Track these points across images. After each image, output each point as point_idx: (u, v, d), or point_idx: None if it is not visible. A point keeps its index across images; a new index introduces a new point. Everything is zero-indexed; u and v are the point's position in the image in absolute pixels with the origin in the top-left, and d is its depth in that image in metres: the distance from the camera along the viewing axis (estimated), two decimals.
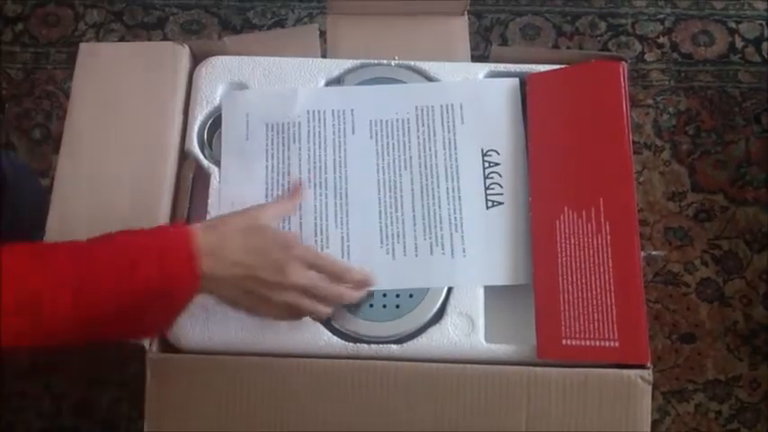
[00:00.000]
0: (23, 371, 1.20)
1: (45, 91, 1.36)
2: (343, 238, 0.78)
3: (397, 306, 0.76)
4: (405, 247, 0.78)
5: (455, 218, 0.79)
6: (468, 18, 0.93)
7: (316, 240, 0.78)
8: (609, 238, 0.76)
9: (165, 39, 1.37)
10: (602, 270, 0.75)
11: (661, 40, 1.40)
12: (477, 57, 0.90)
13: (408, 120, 0.83)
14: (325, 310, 0.71)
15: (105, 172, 0.80)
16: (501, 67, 0.86)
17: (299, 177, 0.80)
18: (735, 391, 1.21)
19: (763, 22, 1.41)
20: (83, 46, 0.85)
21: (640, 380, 0.72)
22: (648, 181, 1.31)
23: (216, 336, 0.75)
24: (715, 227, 1.29)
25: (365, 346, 0.75)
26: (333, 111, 0.83)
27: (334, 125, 0.83)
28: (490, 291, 0.78)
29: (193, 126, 0.83)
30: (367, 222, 0.79)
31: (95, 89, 0.83)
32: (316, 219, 0.79)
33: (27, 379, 1.20)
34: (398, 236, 0.78)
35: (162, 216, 0.79)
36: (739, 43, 1.40)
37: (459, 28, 0.92)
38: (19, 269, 0.60)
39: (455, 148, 0.82)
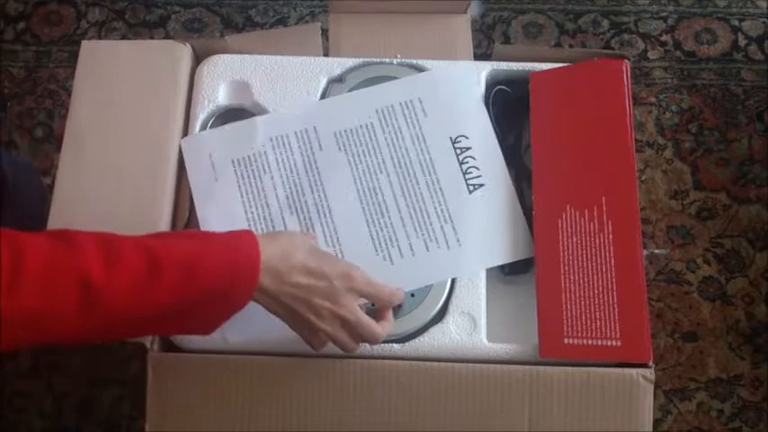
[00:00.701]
0: (25, 371, 1.20)
1: (47, 89, 1.36)
2: (337, 256, 0.78)
3: (399, 305, 0.76)
4: (400, 249, 0.78)
5: (441, 210, 0.79)
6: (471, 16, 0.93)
7: None
8: (611, 236, 0.76)
9: (166, 37, 1.37)
10: (604, 269, 0.75)
11: (664, 38, 1.39)
12: (480, 55, 0.90)
13: (372, 124, 0.82)
14: (356, 347, 0.70)
15: (107, 170, 0.80)
16: (503, 65, 0.86)
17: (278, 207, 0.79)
18: (737, 389, 1.21)
19: (766, 20, 1.41)
20: (84, 44, 0.85)
21: (642, 378, 0.72)
22: (651, 179, 1.31)
23: (217, 335, 0.75)
24: (717, 225, 1.29)
25: (367, 345, 0.75)
26: (295, 132, 0.82)
27: (300, 146, 0.82)
28: (492, 290, 0.78)
29: (195, 124, 0.83)
30: (357, 235, 0.78)
31: (97, 87, 0.83)
32: None
33: (29, 379, 1.20)
34: (391, 240, 0.78)
35: (163, 214, 0.79)
36: (742, 41, 1.39)
37: (462, 26, 0.92)
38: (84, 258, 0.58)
39: (424, 142, 0.82)
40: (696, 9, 1.42)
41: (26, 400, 1.19)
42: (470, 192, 0.80)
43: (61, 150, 0.81)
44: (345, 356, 0.73)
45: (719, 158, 1.32)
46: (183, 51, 0.85)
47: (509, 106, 0.86)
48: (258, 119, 0.83)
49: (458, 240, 0.78)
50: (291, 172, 0.81)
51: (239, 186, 0.81)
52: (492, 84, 0.86)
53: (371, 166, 0.81)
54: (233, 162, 0.81)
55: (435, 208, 0.79)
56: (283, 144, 0.82)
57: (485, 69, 0.86)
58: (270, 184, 0.80)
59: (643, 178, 1.30)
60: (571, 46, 1.38)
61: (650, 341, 0.73)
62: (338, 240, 0.78)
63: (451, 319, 0.76)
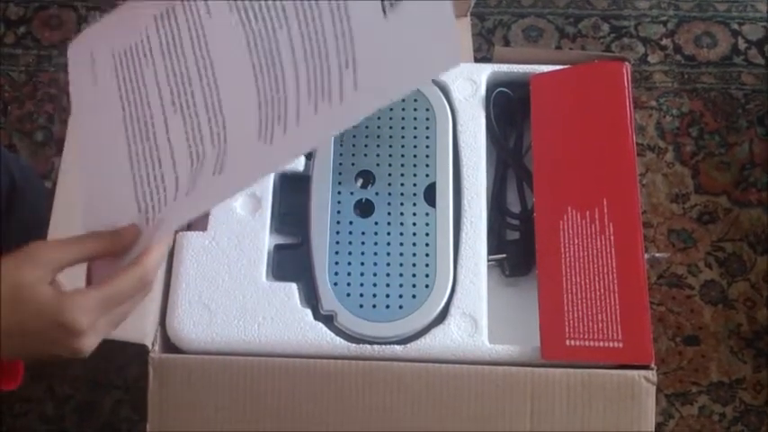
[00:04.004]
0: (25, 375, 1.20)
1: (47, 93, 1.36)
2: (218, 155, 0.62)
3: (401, 307, 0.76)
4: (286, 123, 0.61)
5: (345, 54, 0.60)
6: (471, 20, 0.93)
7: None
8: (613, 239, 0.76)
9: None
10: (605, 271, 0.75)
11: (664, 41, 1.39)
12: (480, 58, 0.90)
13: None
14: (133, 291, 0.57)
15: None
16: (504, 67, 0.86)
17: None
18: (739, 393, 1.21)
19: (767, 24, 1.41)
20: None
21: (644, 380, 0.71)
22: (652, 183, 1.30)
23: (218, 336, 0.75)
24: (719, 229, 1.28)
25: (368, 346, 0.75)
26: (182, 1, 0.64)
27: (187, 18, 0.64)
28: (493, 291, 0.78)
29: None
30: (244, 123, 0.62)
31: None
32: (191, 148, 0.63)
33: (29, 383, 1.20)
34: (279, 117, 0.61)
35: None
36: (742, 45, 1.39)
37: (462, 29, 0.92)
38: None
39: None
40: (696, 13, 1.42)
41: (27, 405, 1.19)
42: (386, 13, 0.59)
43: (62, 154, 0.81)
44: (348, 358, 0.73)
45: (720, 162, 1.32)
46: None
47: (510, 109, 0.86)
48: None
49: (355, 85, 0.60)
50: (177, 57, 0.64)
51: (119, 87, 0.66)
52: (493, 86, 0.86)
53: (270, 23, 0.62)
54: (113, 56, 0.66)
55: (338, 54, 0.60)
56: (168, 19, 0.65)
57: (485, 72, 0.86)
58: (152, 78, 0.65)
59: (644, 182, 1.30)
60: (571, 50, 1.38)
61: (652, 343, 0.73)
62: (225, 138, 0.62)
63: (453, 321, 0.76)
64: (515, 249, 0.82)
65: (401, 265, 0.78)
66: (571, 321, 0.74)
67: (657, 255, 1.25)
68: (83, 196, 0.66)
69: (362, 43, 0.60)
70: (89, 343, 0.55)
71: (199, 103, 0.64)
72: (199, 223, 0.80)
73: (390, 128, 0.83)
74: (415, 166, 0.82)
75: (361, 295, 0.77)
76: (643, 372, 0.72)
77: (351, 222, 0.80)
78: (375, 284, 0.77)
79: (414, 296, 0.76)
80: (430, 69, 0.61)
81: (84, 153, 0.67)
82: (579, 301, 0.74)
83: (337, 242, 0.79)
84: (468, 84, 0.85)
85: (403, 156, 0.82)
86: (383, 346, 0.75)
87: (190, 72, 0.64)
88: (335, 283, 0.77)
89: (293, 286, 0.77)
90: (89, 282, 0.61)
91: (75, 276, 0.58)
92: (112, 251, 0.59)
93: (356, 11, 0.60)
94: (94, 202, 0.66)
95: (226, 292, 0.77)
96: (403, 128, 0.83)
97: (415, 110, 0.84)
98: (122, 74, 0.66)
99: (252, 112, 0.62)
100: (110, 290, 0.55)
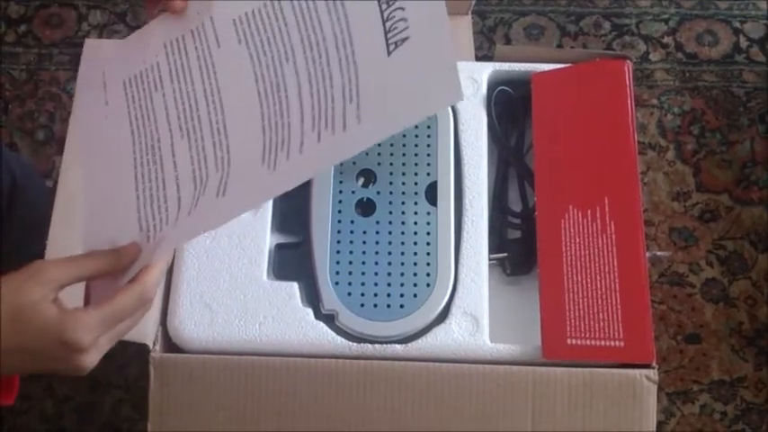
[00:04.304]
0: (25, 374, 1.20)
1: (48, 92, 1.36)
2: (222, 179, 0.64)
3: (402, 306, 0.76)
4: (289, 150, 0.63)
5: (349, 88, 0.63)
6: (472, 18, 0.93)
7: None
8: (614, 237, 0.76)
9: None
10: (607, 270, 0.75)
11: (665, 39, 1.39)
12: (481, 57, 0.90)
13: None
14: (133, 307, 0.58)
15: None
16: (505, 66, 0.86)
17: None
18: (740, 392, 1.21)
19: None
20: (88, 42, 0.85)
21: (646, 379, 0.71)
22: (653, 181, 1.30)
23: (219, 336, 0.75)
24: (720, 227, 1.28)
25: (369, 345, 0.75)
26: (191, 30, 0.67)
27: (196, 48, 0.67)
28: (495, 290, 0.78)
29: None
30: (249, 148, 0.64)
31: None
32: (195, 172, 0.65)
33: (29, 382, 1.20)
34: (283, 143, 0.63)
35: None
36: (744, 43, 1.39)
37: (464, 27, 0.92)
38: None
39: (342, 6, 0.64)
40: (697, 11, 1.42)
41: (27, 404, 1.19)
42: (390, 52, 0.62)
43: (63, 153, 0.80)
44: (349, 357, 0.73)
45: (722, 160, 1.32)
46: None
47: (511, 107, 0.86)
48: (153, 22, 0.69)
49: (358, 118, 0.62)
50: (185, 82, 0.67)
51: (128, 110, 0.68)
52: (494, 84, 0.86)
53: (277, 56, 0.65)
54: (124, 83, 0.69)
55: (343, 88, 0.63)
56: (179, 48, 0.68)
57: (486, 70, 0.86)
58: (161, 104, 0.67)
59: (645, 180, 1.30)
60: (572, 48, 1.38)
61: (653, 342, 0.73)
62: (228, 162, 0.64)
63: (454, 320, 0.76)
64: (516, 248, 0.82)
65: (402, 264, 0.78)
66: (572, 320, 0.74)
67: (659, 253, 1.25)
68: (84, 214, 0.67)
69: (366, 79, 0.63)
70: (90, 360, 0.56)
71: (205, 128, 0.66)
72: None
73: None
74: (416, 164, 0.82)
75: (363, 294, 0.76)
76: (644, 371, 0.72)
77: (352, 221, 0.80)
78: (376, 284, 0.77)
79: (415, 295, 0.76)
80: (432, 104, 0.64)
81: (89, 171, 0.68)
82: (580, 300, 0.74)
83: (338, 241, 0.79)
84: (470, 82, 0.85)
85: (404, 155, 0.82)
86: (384, 346, 0.75)
87: (197, 99, 0.66)
88: (336, 283, 0.77)
89: (294, 285, 0.77)
90: (87, 299, 0.62)
91: (73, 294, 0.58)
92: (113, 270, 0.60)
93: (361, 49, 0.63)
94: (96, 220, 0.67)
95: (227, 292, 0.77)
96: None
97: None
98: (132, 98, 0.68)
99: (256, 138, 0.64)
100: (111, 308, 0.56)
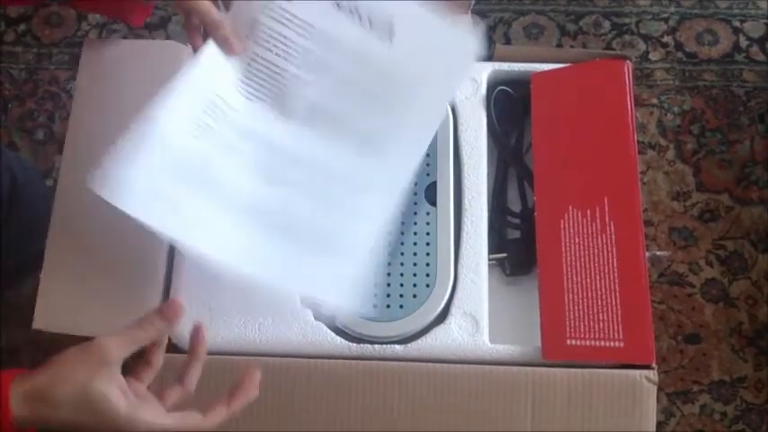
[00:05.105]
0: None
1: (48, 92, 1.36)
2: None
3: (401, 306, 0.76)
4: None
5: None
6: (472, 17, 0.93)
7: None
8: (614, 237, 0.76)
9: (167, 39, 1.37)
10: (606, 270, 0.75)
11: (665, 39, 1.39)
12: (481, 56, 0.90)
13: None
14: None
15: None
16: (505, 65, 0.86)
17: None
18: (740, 392, 1.21)
19: None
20: (87, 41, 0.85)
21: (645, 380, 0.71)
22: (653, 181, 1.30)
23: (219, 336, 0.75)
24: (720, 227, 1.28)
25: (369, 346, 0.75)
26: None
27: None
28: (494, 291, 0.78)
29: None
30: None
31: (99, 85, 0.82)
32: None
33: None
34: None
35: None
36: (744, 42, 1.39)
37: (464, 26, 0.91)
38: None
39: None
40: (697, 10, 1.41)
41: None
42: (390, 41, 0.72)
43: (63, 152, 0.80)
44: (349, 357, 0.73)
45: (721, 160, 1.32)
46: (185, 52, 0.84)
47: (510, 107, 0.86)
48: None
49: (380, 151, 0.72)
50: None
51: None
52: (493, 84, 0.86)
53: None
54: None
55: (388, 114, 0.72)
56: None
57: (486, 70, 0.86)
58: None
59: (645, 180, 1.30)
60: (572, 47, 1.38)
61: (653, 342, 0.73)
62: None
63: (453, 320, 0.76)
64: (516, 248, 0.81)
65: (402, 264, 0.78)
66: (572, 321, 0.74)
67: (658, 253, 1.25)
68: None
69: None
70: None
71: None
72: None
73: None
74: None
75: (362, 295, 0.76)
76: (644, 371, 0.72)
77: None
78: (376, 284, 0.77)
79: (414, 296, 0.76)
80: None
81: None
82: (580, 301, 0.74)
83: None
84: (469, 82, 0.85)
85: None
86: (384, 346, 0.75)
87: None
88: None
89: None
90: None
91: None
92: (163, 335, 0.64)
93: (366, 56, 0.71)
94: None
95: (226, 293, 0.77)
96: None
97: None
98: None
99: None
100: (173, 425, 0.60)
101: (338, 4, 0.70)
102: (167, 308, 0.62)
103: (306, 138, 0.71)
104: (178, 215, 0.66)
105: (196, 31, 0.72)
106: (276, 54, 0.70)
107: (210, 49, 0.69)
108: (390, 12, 0.71)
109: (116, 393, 0.57)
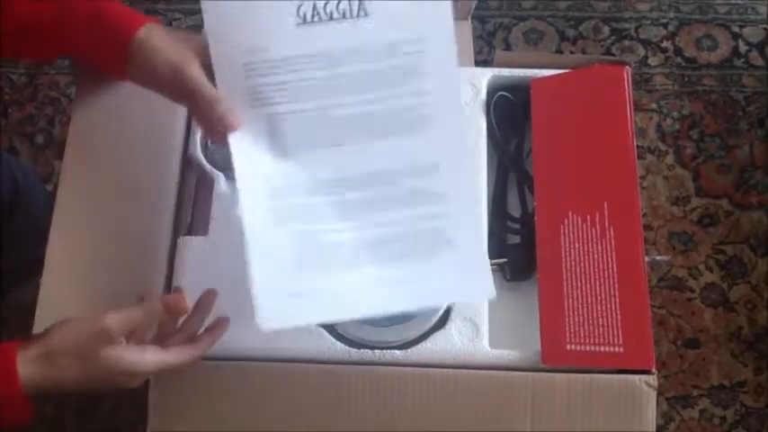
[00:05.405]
0: None
1: (48, 96, 1.36)
2: None
3: (401, 311, 0.76)
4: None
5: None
6: (472, 22, 0.93)
7: None
8: (613, 242, 0.76)
9: None
10: (606, 275, 0.75)
11: (664, 44, 1.40)
12: (481, 61, 0.90)
13: None
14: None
15: (108, 177, 0.80)
16: (505, 71, 0.86)
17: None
18: (740, 396, 1.21)
19: (767, 26, 1.41)
20: None
21: (645, 385, 0.71)
22: (652, 185, 1.30)
23: (218, 341, 0.75)
24: (719, 232, 1.28)
25: (369, 351, 0.75)
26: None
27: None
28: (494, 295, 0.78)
29: (196, 131, 0.83)
30: None
31: (100, 91, 0.83)
32: None
33: None
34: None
35: (165, 222, 0.79)
36: (743, 47, 1.39)
37: (463, 32, 0.92)
38: None
39: None
40: (697, 15, 1.42)
41: None
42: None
43: (64, 153, 0.81)
44: (349, 362, 0.73)
45: (721, 165, 1.32)
46: None
47: (510, 112, 0.86)
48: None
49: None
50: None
51: None
52: (493, 90, 0.86)
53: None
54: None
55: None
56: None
57: (486, 76, 0.86)
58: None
59: (644, 185, 1.30)
60: (572, 52, 1.38)
61: (653, 347, 0.73)
62: None
63: (453, 325, 0.76)
64: (516, 254, 0.82)
65: None
66: (572, 326, 0.74)
67: (658, 258, 1.25)
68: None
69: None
70: (138, 382, 0.67)
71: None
72: (199, 227, 0.81)
73: None
74: None
75: None
76: (644, 376, 0.72)
77: None
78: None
79: None
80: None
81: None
82: (580, 306, 0.74)
83: None
84: (469, 88, 0.85)
85: None
86: (384, 351, 0.75)
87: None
88: None
89: None
90: None
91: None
92: (162, 320, 0.67)
93: None
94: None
95: (226, 296, 0.76)
96: None
97: None
98: None
99: None
100: (172, 359, 0.66)
101: (303, 18, 0.69)
102: (173, 302, 0.65)
103: (357, 152, 0.71)
104: (319, 301, 0.69)
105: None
106: (285, 102, 0.69)
107: (235, 149, 0.69)
108: None
109: (122, 350, 0.63)
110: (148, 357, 0.64)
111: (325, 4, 0.69)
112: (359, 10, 0.69)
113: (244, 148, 0.69)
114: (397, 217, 0.70)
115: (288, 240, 0.69)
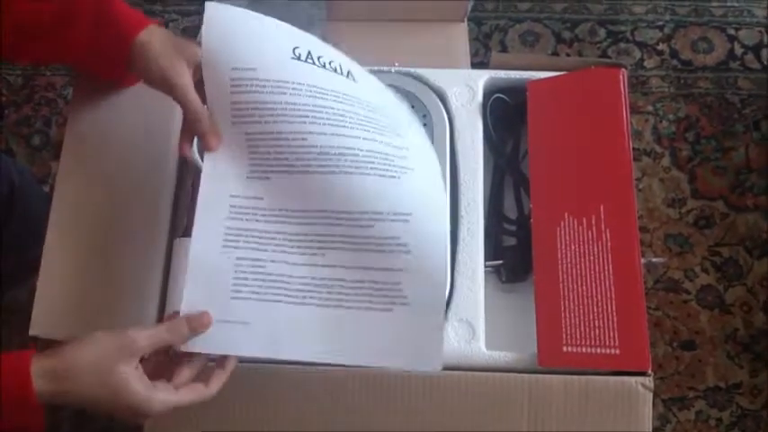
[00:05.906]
0: None
1: (44, 97, 1.36)
2: None
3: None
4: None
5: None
6: (468, 24, 0.93)
7: None
8: (609, 244, 0.76)
9: None
10: (602, 277, 0.75)
11: (660, 46, 1.40)
12: (477, 63, 0.90)
13: None
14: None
15: (105, 178, 0.80)
16: (501, 73, 0.86)
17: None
18: (735, 398, 1.21)
19: (763, 29, 1.41)
20: None
21: (641, 387, 0.71)
22: (648, 188, 1.31)
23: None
24: (715, 234, 1.29)
25: None
26: None
27: None
28: (490, 298, 0.78)
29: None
30: None
31: (96, 92, 0.83)
32: None
33: None
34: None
35: (162, 222, 0.79)
36: (738, 50, 1.40)
37: (459, 34, 0.92)
38: None
39: None
40: (692, 18, 1.42)
41: None
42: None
43: (61, 154, 0.80)
44: (345, 365, 0.73)
45: (717, 167, 1.33)
46: None
47: (507, 115, 0.86)
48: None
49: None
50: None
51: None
52: (490, 92, 0.86)
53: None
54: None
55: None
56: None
57: (482, 78, 0.86)
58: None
59: (640, 187, 1.30)
60: (568, 55, 1.39)
61: (649, 349, 0.73)
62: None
63: (450, 327, 0.76)
64: (512, 255, 0.82)
65: None
66: (568, 328, 0.74)
67: (654, 260, 1.25)
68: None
69: None
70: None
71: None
72: None
73: None
74: None
75: None
76: (640, 378, 0.72)
77: None
78: None
79: None
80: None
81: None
82: (576, 308, 0.74)
83: None
84: (466, 90, 0.85)
85: None
86: None
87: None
88: None
89: None
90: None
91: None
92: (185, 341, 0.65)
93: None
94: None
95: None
96: None
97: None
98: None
99: None
100: (184, 400, 0.63)
101: (297, 57, 0.69)
102: (197, 320, 0.64)
103: (332, 186, 0.67)
104: (250, 333, 0.66)
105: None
106: (266, 122, 0.68)
107: (208, 162, 0.68)
108: (344, 58, 0.72)
109: (136, 376, 0.61)
110: (160, 396, 0.62)
111: (320, 57, 0.70)
112: (348, 74, 0.71)
113: (217, 164, 0.68)
114: (358, 261, 0.66)
115: (229, 265, 0.66)
